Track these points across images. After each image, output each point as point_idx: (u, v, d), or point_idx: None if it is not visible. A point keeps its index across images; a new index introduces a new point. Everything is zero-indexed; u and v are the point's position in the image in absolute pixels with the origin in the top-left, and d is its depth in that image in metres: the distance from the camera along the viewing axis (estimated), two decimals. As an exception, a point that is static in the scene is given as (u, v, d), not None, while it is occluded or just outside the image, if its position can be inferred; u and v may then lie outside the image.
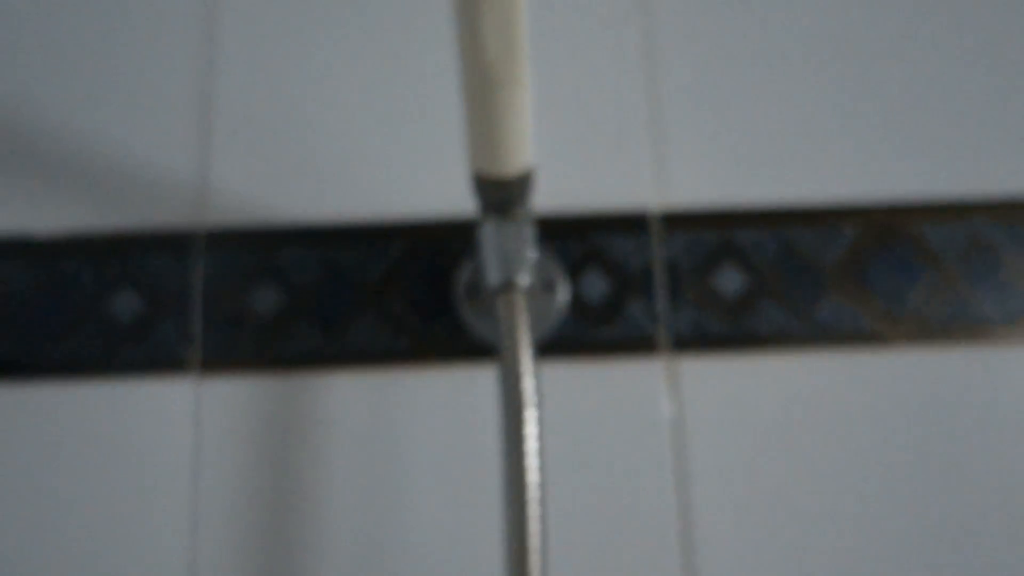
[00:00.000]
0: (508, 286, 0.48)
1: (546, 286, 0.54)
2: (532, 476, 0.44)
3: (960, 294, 0.54)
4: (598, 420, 0.53)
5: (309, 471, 0.53)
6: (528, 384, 0.46)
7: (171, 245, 0.55)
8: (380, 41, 0.59)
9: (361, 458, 0.53)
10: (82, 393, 0.54)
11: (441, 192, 0.57)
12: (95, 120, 0.58)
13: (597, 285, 0.54)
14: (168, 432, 0.53)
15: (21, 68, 0.59)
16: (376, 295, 0.54)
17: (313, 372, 0.54)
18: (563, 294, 0.54)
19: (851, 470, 0.53)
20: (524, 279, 0.49)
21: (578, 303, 0.54)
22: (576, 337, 0.54)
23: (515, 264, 0.49)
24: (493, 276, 0.49)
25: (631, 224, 0.55)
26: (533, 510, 0.44)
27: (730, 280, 0.54)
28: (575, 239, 0.55)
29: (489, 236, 0.49)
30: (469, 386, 0.54)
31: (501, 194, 0.48)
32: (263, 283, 0.55)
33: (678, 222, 0.56)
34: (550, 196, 0.56)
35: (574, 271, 0.55)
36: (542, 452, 0.45)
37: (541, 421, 0.45)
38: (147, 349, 0.54)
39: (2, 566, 0.51)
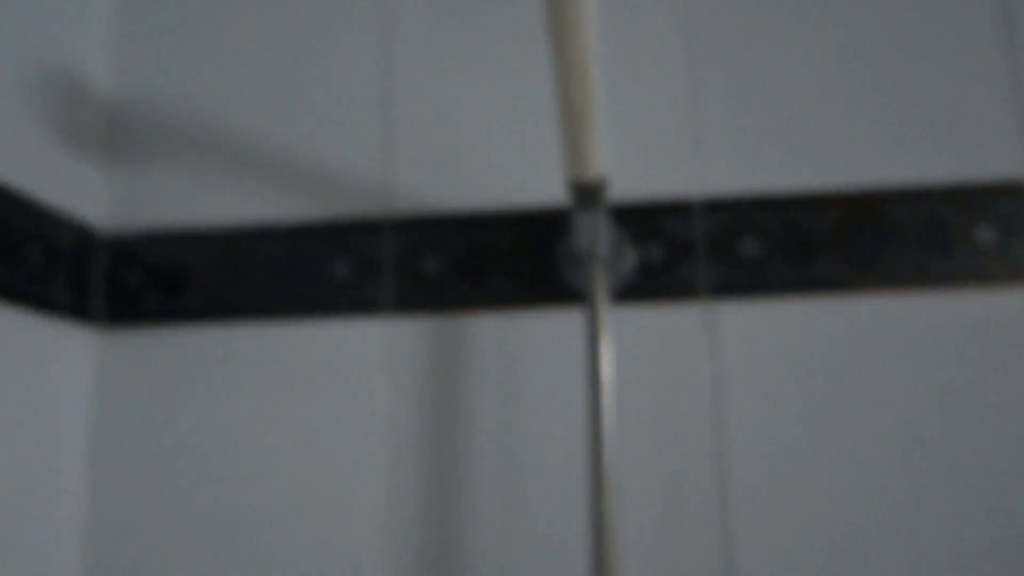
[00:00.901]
0: (591, 256, 0.73)
1: (620, 253, 0.78)
2: (607, 387, 0.69)
3: (915, 257, 0.75)
4: (656, 346, 0.77)
5: (462, 382, 0.79)
6: (603, 321, 0.70)
7: (369, 228, 0.82)
8: (510, 76, 0.84)
9: (495, 371, 0.79)
10: (314, 328, 0.82)
11: (549, 187, 0.81)
12: (304, 133, 0.85)
13: (656, 251, 0.78)
14: (369, 355, 0.81)
15: (253, 100, 0.87)
16: (505, 260, 0.80)
17: (465, 313, 0.80)
18: (631, 258, 0.78)
19: (837, 382, 0.75)
20: (602, 250, 0.73)
21: (643, 264, 0.78)
22: (643, 287, 0.78)
23: (596, 240, 0.73)
24: (582, 248, 0.73)
25: (679, 208, 0.79)
26: (608, 417, 0.68)
27: (750, 247, 0.77)
28: (641, 220, 0.79)
29: (578, 220, 0.73)
30: (567, 322, 0.79)
31: (586, 192, 0.72)
32: (429, 254, 0.81)
33: (713, 207, 0.78)
34: (625, 188, 0.80)
35: (641, 241, 0.78)
36: (615, 372, 0.69)
37: (614, 350, 0.70)
38: (356, 298, 0.81)
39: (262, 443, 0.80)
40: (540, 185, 0.81)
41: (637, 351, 0.77)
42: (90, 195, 0.85)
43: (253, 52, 0.87)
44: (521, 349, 0.79)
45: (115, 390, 0.82)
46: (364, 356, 0.80)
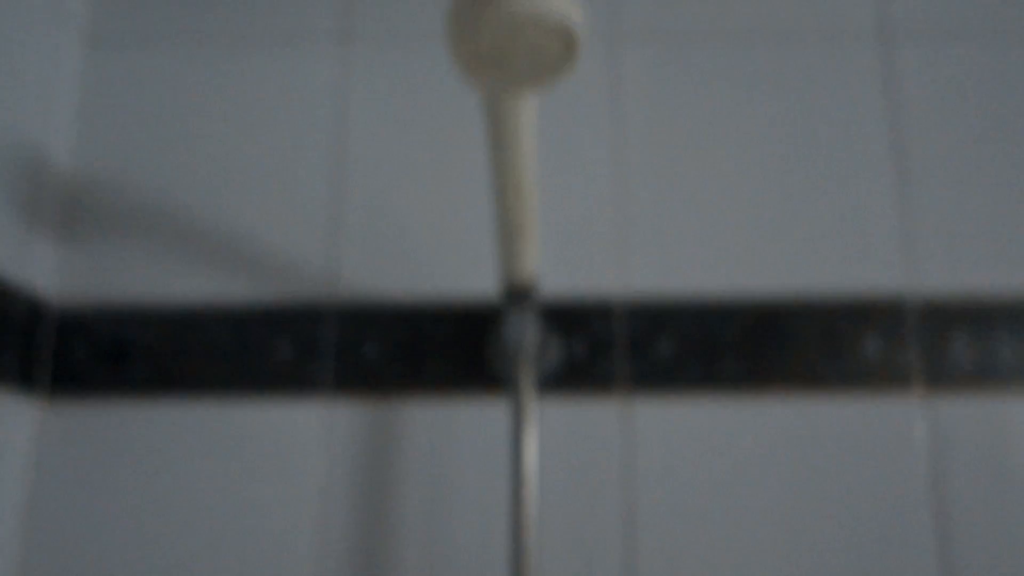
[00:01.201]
0: (519, 351, 0.79)
1: (546, 348, 0.84)
2: (530, 473, 0.74)
3: (810, 362, 0.83)
4: (576, 436, 0.83)
5: (395, 463, 0.84)
6: (528, 411, 0.76)
7: (312, 313, 0.87)
8: (457, 172, 0.91)
9: (426, 453, 0.84)
10: (255, 406, 0.86)
11: (485, 280, 0.88)
12: (254, 216, 0.90)
13: (579, 348, 0.85)
14: (307, 434, 0.85)
15: (206, 182, 0.92)
16: (440, 349, 0.85)
17: (400, 397, 0.85)
18: (556, 353, 0.84)
19: (736, 473, 0.82)
20: (529, 346, 0.79)
21: (568, 359, 0.84)
22: (567, 380, 0.84)
23: (524, 337, 0.79)
24: (511, 343, 0.79)
25: (602, 309, 0.86)
26: (530, 501, 0.74)
27: (665, 347, 0.84)
28: (567, 318, 0.86)
29: (509, 317, 0.80)
30: (495, 411, 0.84)
31: (517, 292, 0.78)
32: (369, 340, 0.86)
33: (633, 309, 0.86)
34: (553, 286, 0.86)
35: (566, 337, 0.85)
36: (538, 459, 0.75)
37: (537, 438, 0.75)
38: (297, 378, 0.86)
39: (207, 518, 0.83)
40: (477, 278, 0.88)
41: (559, 439, 0.83)
42: (43, 269, 0.88)
43: (207, 135, 0.92)
44: (452, 434, 0.84)
45: (56, 461, 0.84)
46: (302, 435, 0.85)
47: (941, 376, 0.83)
